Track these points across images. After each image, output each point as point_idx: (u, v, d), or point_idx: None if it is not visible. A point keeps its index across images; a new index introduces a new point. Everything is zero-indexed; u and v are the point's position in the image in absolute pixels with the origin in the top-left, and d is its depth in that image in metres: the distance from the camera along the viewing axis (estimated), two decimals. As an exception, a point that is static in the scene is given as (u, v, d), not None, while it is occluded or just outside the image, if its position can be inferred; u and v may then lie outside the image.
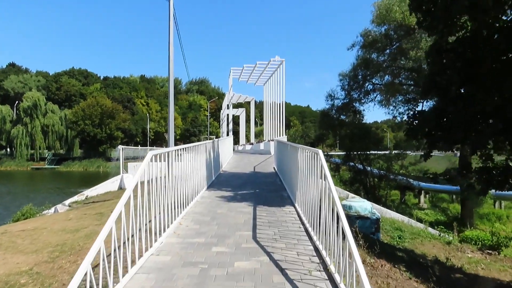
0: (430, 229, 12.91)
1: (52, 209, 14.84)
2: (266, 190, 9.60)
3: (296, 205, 7.06)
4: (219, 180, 11.30)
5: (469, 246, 10.67)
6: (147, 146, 60.60)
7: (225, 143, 16.91)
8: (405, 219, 14.22)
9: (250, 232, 5.39)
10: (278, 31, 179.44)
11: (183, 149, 6.51)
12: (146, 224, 4.21)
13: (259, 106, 61.35)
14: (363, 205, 9.63)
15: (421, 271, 6.41)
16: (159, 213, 4.82)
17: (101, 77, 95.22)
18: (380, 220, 10.06)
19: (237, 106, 40.67)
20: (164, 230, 5.07)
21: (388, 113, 27.59)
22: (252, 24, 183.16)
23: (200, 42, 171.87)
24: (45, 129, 63.31)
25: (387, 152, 29.62)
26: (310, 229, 5.24)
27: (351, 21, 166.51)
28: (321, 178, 4.62)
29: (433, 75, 6.34)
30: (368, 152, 26.69)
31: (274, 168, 14.95)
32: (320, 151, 4.69)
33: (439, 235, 11.70)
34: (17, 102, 66.66)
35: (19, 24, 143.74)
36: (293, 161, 7.61)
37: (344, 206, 9.17)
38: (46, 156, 62.81)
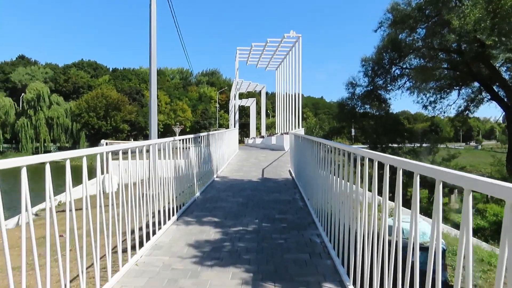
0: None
1: (16, 219, 12.22)
2: (280, 223, 5.45)
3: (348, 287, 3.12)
4: (206, 198, 7.34)
5: None
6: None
7: (226, 137, 13.36)
8: (453, 230, 10.87)
9: None
10: (290, 17, 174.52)
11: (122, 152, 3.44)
12: None
13: (271, 98, 58.22)
14: (420, 227, 6.26)
15: None
16: None
17: (110, 69, 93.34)
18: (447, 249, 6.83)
19: (247, 96, 37.81)
20: None
21: (417, 102, 24.11)
22: (263, 13, 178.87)
23: (210, 35, 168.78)
24: (50, 122, 61.62)
25: (416, 145, 26.23)
26: None
27: (367, 8, 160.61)
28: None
29: None
30: (396, 146, 23.55)
31: (290, 171, 11.48)
32: None
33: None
34: (22, 94, 65.08)
35: (29, 16, 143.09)
36: (325, 173, 4.17)
37: (388, 229, 5.62)
38: (51, 149, 61.17)
